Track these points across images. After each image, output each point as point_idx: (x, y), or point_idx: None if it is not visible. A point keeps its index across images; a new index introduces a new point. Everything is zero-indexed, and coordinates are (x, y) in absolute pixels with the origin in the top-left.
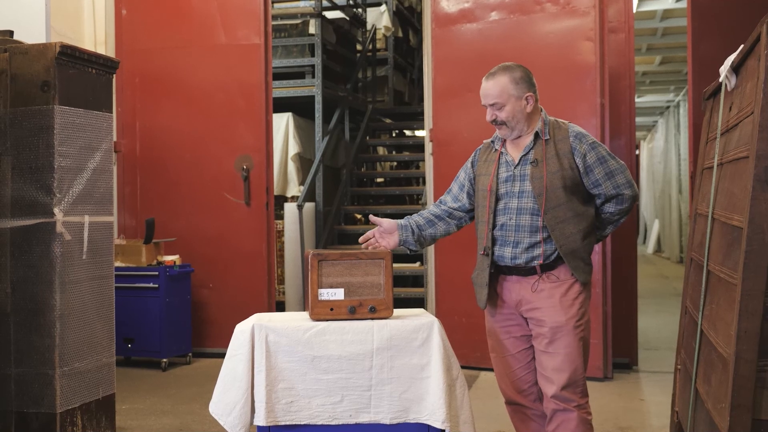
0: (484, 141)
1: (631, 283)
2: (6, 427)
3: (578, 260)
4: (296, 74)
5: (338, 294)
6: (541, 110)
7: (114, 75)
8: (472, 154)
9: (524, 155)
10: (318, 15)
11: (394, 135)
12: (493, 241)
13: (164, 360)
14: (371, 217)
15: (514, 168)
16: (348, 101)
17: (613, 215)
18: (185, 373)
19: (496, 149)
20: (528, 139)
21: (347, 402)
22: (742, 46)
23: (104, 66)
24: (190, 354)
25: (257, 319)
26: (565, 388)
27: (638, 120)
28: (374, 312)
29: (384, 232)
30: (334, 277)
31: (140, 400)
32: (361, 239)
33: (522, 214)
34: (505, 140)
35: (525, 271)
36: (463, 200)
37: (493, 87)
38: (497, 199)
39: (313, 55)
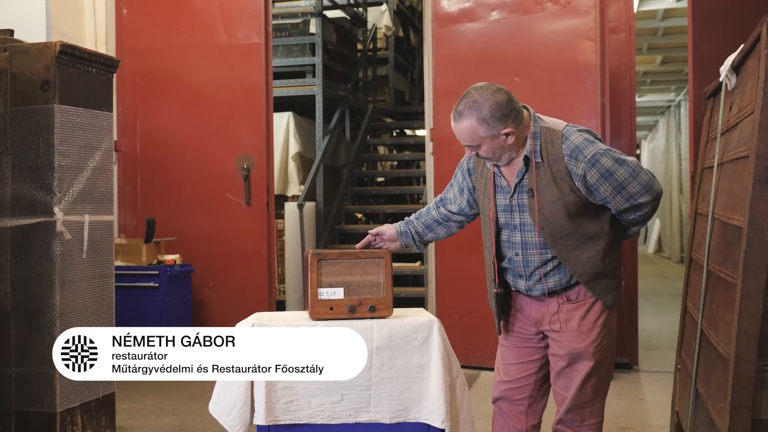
0: None
1: (632, 283)
2: (6, 427)
3: (602, 280)
4: (297, 73)
5: (338, 293)
6: (533, 122)
7: (114, 74)
8: (466, 159)
9: (518, 182)
10: (319, 14)
11: (394, 134)
12: (502, 270)
13: None
14: (371, 232)
15: (510, 197)
16: (349, 101)
17: (636, 220)
18: None
19: (488, 166)
20: (519, 164)
21: (347, 401)
22: (742, 45)
23: (104, 65)
24: None
25: (257, 318)
26: (570, 410)
27: (639, 120)
28: (374, 311)
29: (386, 240)
30: (333, 277)
31: (140, 400)
32: (358, 246)
33: (528, 249)
34: None
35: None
36: (463, 206)
37: (462, 131)
38: (499, 230)
39: (313, 55)
